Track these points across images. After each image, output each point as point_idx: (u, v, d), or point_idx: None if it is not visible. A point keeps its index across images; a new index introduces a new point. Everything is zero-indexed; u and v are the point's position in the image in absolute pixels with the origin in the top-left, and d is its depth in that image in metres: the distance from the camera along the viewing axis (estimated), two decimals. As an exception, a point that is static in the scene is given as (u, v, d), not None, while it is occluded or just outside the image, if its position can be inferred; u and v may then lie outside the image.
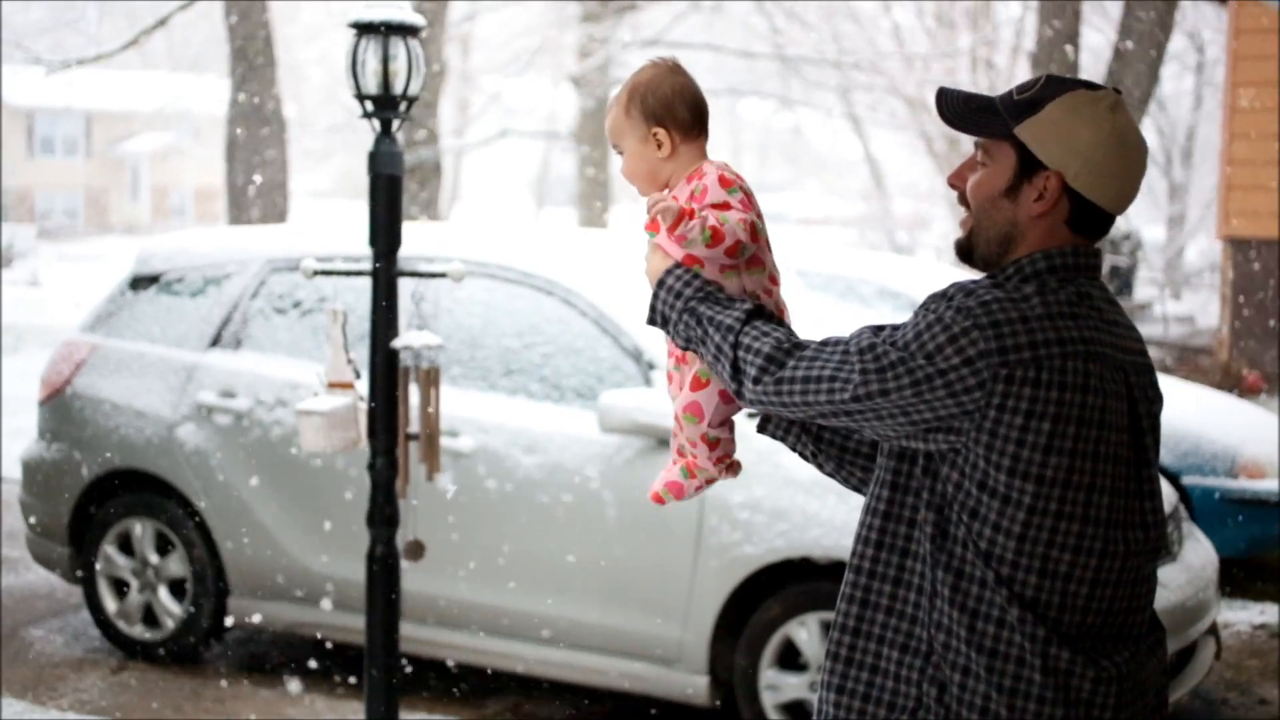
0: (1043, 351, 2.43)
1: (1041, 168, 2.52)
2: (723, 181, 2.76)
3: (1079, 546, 2.46)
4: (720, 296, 2.70)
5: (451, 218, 27.74)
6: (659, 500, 2.90)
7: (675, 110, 2.83)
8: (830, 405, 2.53)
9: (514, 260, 6.23)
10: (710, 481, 2.89)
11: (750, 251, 2.73)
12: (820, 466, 2.87)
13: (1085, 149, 2.51)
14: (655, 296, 2.75)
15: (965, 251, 2.64)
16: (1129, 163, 2.55)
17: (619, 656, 5.85)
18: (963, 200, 2.64)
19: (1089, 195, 2.53)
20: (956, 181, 2.65)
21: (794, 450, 2.88)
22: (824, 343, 2.59)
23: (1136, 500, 2.55)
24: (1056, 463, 2.43)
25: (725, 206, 2.73)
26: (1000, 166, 2.57)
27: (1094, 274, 2.59)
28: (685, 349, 2.74)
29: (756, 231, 2.74)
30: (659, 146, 2.82)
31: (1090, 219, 2.56)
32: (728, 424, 2.85)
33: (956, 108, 2.62)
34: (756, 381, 2.59)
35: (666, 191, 2.81)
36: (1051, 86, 2.55)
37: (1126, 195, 2.58)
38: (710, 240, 2.68)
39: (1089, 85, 2.56)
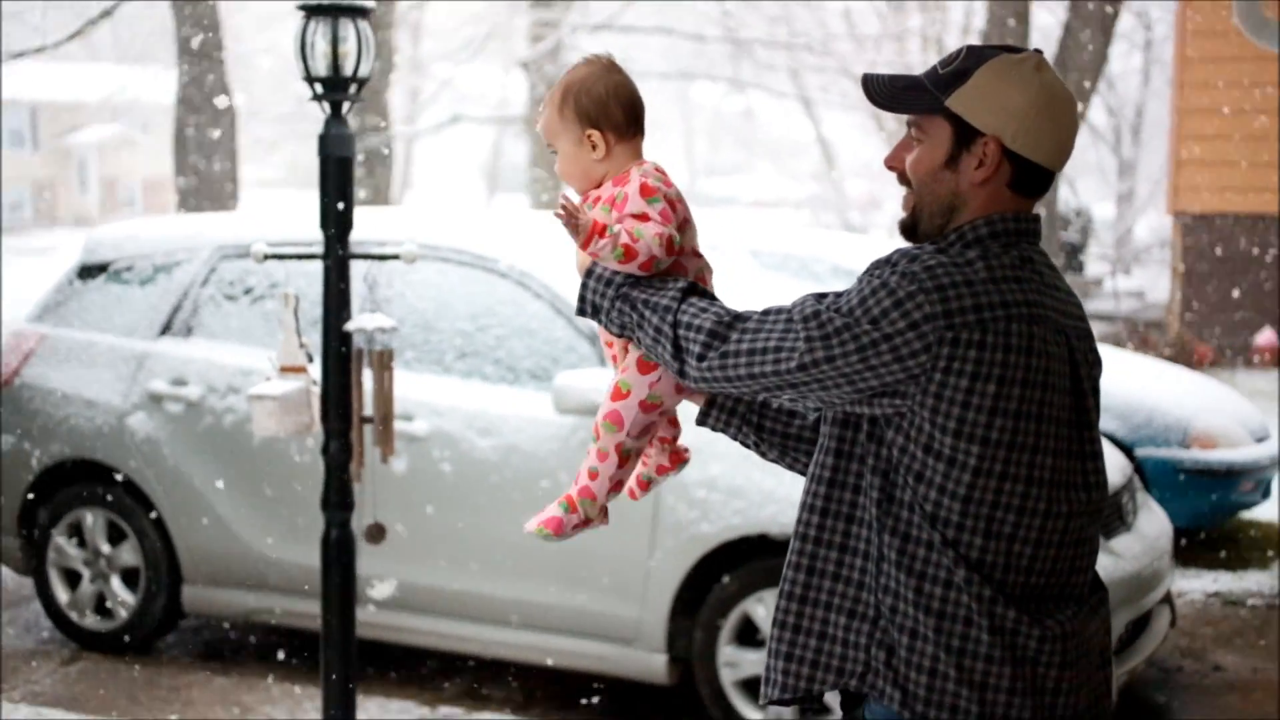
0: (987, 314, 2.44)
1: (978, 135, 2.54)
2: (644, 190, 2.71)
3: (1023, 507, 2.48)
4: (652, 279, 2.69)
5: (403, 204, 27.63)
6: (537, 528, 2.87)
7: (610, 111, 2.79)
8: (776, 376, 2.52)
9: (467, 243, 6.20)
10: (585, 524, 2.84)
11: (665, 264, 2.70)
12: (764, 455, 2.86)
13: (1018, 110, 2.52)
14: (584, 286, 2.73)
15: (910, 229, 2.64)
16: (1062, 117, 2.58)
17: (576, 637, 5.84)
18: (903, 180, 2.64)
19: (1029, 155, 2.55)
20: (894, 163, 2.66)
21: (736, 439, 2.86)
22: (765, 313, 2.58)
23: (1079, 461, 2.57)
24: (1001, 424, 2.44)
25: (644, 218, 2.68)
26: (936, 140, 2.58)
27: (1035, 239, 2.62)
28: (620, 336, 2.72)
29: (673, 245, 2.69)
30: (593, 148, 2.78)
31: (1032, 178, 2.58)
32: (649, 433, 2.81)
33: (883, 90, 2.63)
34: (701, 359, 2.58)
35: (586, 201, 2.79)
36: (974, 56, 2.57)
37: (1064, 150, 2.60)
38: (623, 257, 2.64)
39: (1010, 49, 2.59)
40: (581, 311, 2.74)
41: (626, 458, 2.81)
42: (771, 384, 2.54)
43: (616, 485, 2.84)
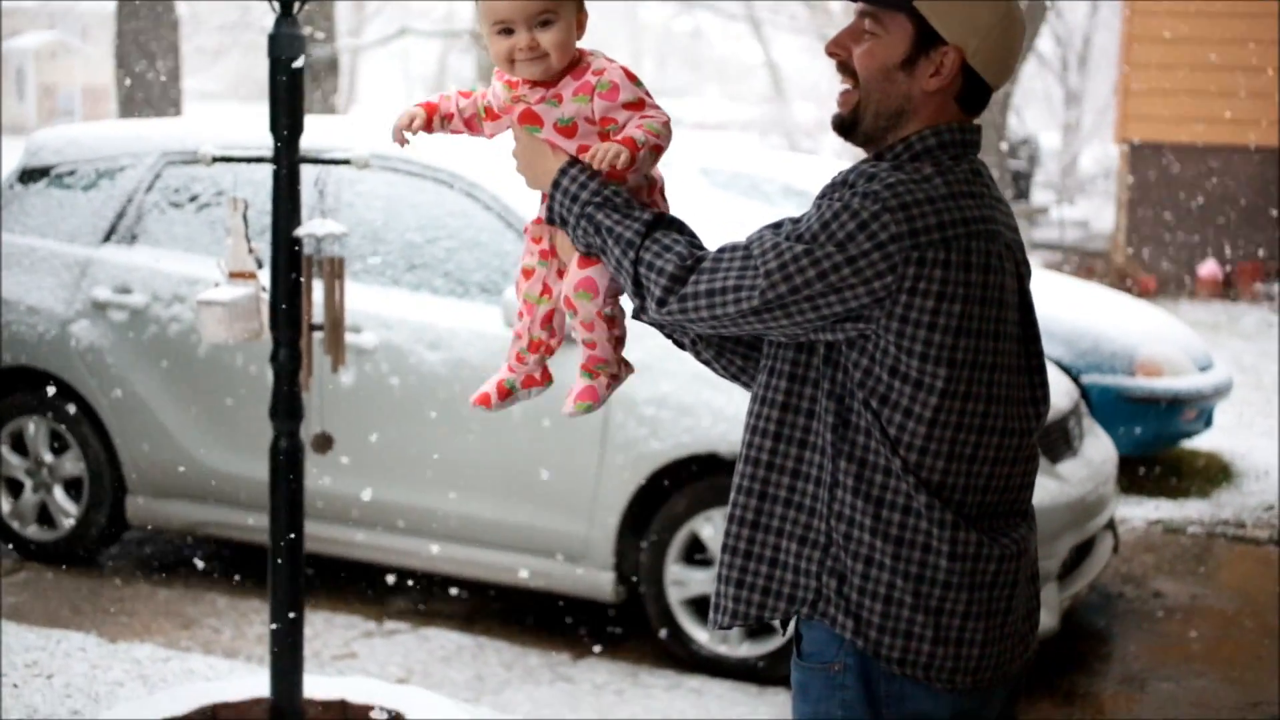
0: (950, 232, 2.40)
1: (940, 42, 2.47)
2: (630, 77, 2.62)
3: (984, 426, 2.47)
4: (618, 201, 2.58)
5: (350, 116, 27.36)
6: (574, 406, 2.76)
7: None
8: (739, 314, 2.45)
9: (415, 153, 6.12)
10: (614, 379, 2.75)
11: (651, 164, 2.62)
12: (698, 355, 2.78)
13: (984, 25, 2.48)
14: (552, 199, 2.63)
15: (849, 127, 2.56)
16: (1017, 40, 2.54)
17: (524, 553, 5.82)
18: (844, 69, 2.55)
19: (982, 72, 2.51)
20: (837, 50, 2.56)
21: (672, 340, 2.78)
22: (721, 250, 2.50)
23: (1027, 376, 2.56)
24: (966, 344, 2.42)
25: (640, 105, 2.61)
26: (894, 38, 2.49)
27: (978, 149, 2.58)
28: (586, 254, 2.63)
29: (670, 127, 2.63)
30: (580, 29, 2.65)
31: (977, 95, 2.54)
32: (618, 300, 2.71)
33: None
34: (662, 303, 2.51)
35: (558, 103, 2.61)
36: None
37: (1010, 72, 2.57)
38: (655, 158, 2.59)
39: None
40: (551, 222, 2.65)
41: (611, 320, 2.70)
42: (735, 322, 2.48)
43: (617, 343, 2.74)
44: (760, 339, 2.67)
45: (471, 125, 2.79)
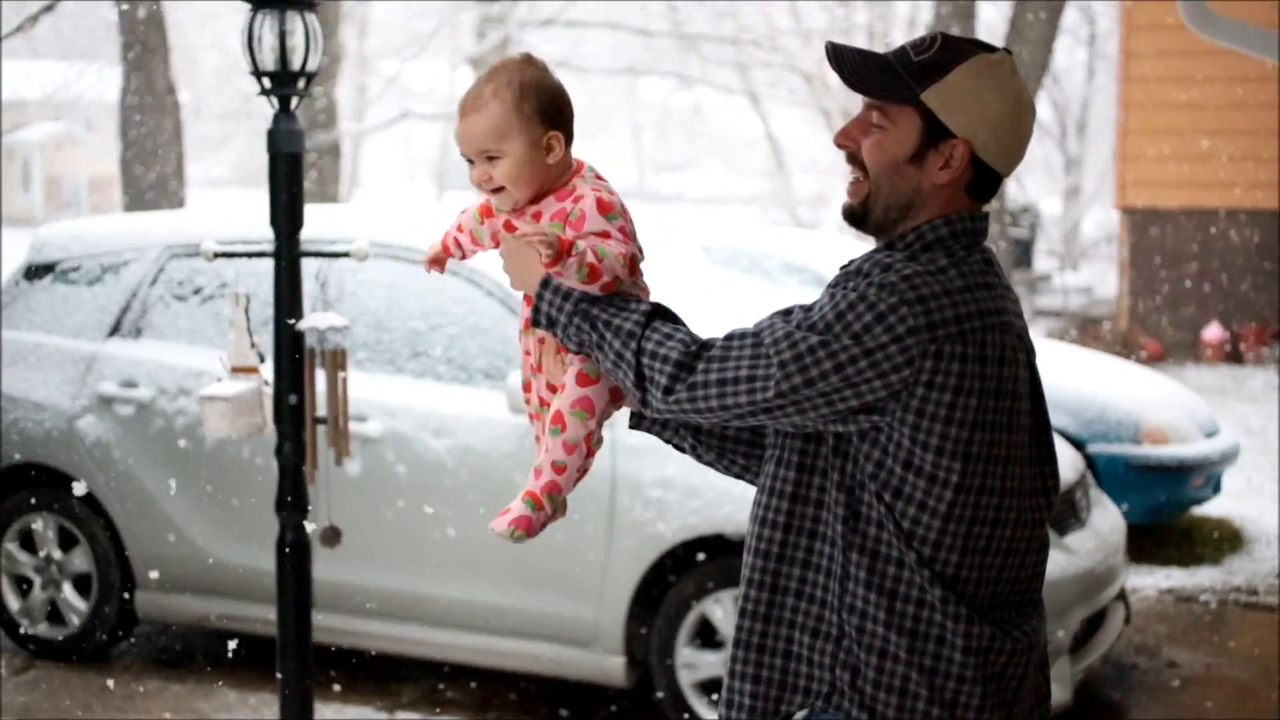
0: (966, 325, 2.39)
1: (948, 135, 2.46)
2: (602, 207, 2.59)
3: (997, 519, 2.45)
4: (612, 297, 2.57)
5: (353, 202, 27.52)
6: (508, 529, 2.69)
7: (566, 113, 2.66)
8: (751, 405, 2.43)
9: (417, 241, 6.15)
10: (552, 518, 2.69)
11: (627, 285, 2.59)
12: (699, 457, 2.77)
13: (994, 117, 2.46)
14: (540, 298, 2.59)
15: (859, 218, 2.55)
16: (1027, 127, 2.53)
17: (534, 640, 5.81)
18: (853, 160, 2.54)
19: (992, 163, 2.49)
20: (846, 142, 2.55)
21: (670, 444, 2.77)
22: (729, 338, 2.47)
23: (1038, 466, 2.55)
24: (981, 438, 2.40)
25: (605, 236, 2.57)
26: (903, 131, 2.49)
27: (986, 237, 2.57)
28: (578, 353, 2.60)
29: (635, 264, 2.60)
30: (549, 151, 2.62)
31: (987, 184, 2.53)
32: (601, 427, 2.69)
33: (854, 67, 2.51)
34: (669, 392, 2.47)
35: (535, 222, 2.62)
36: (950, 49, 2.48)
37: (1020, 158, 2.56)
38: (587, 278, 2.52)
39: (985, 47, 2.51)
40: (537, 323, 2.61)
41: (594, 449, 2.67)
42: (745, 413, 2.45)
43: (581, 473, 2.69)
44: (761, 435, 2.66)
45: (479, 245, 2.81)
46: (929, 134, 2.48)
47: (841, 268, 2.53)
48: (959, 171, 2.48)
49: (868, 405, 2.40)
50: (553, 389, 2.69)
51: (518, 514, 2.68)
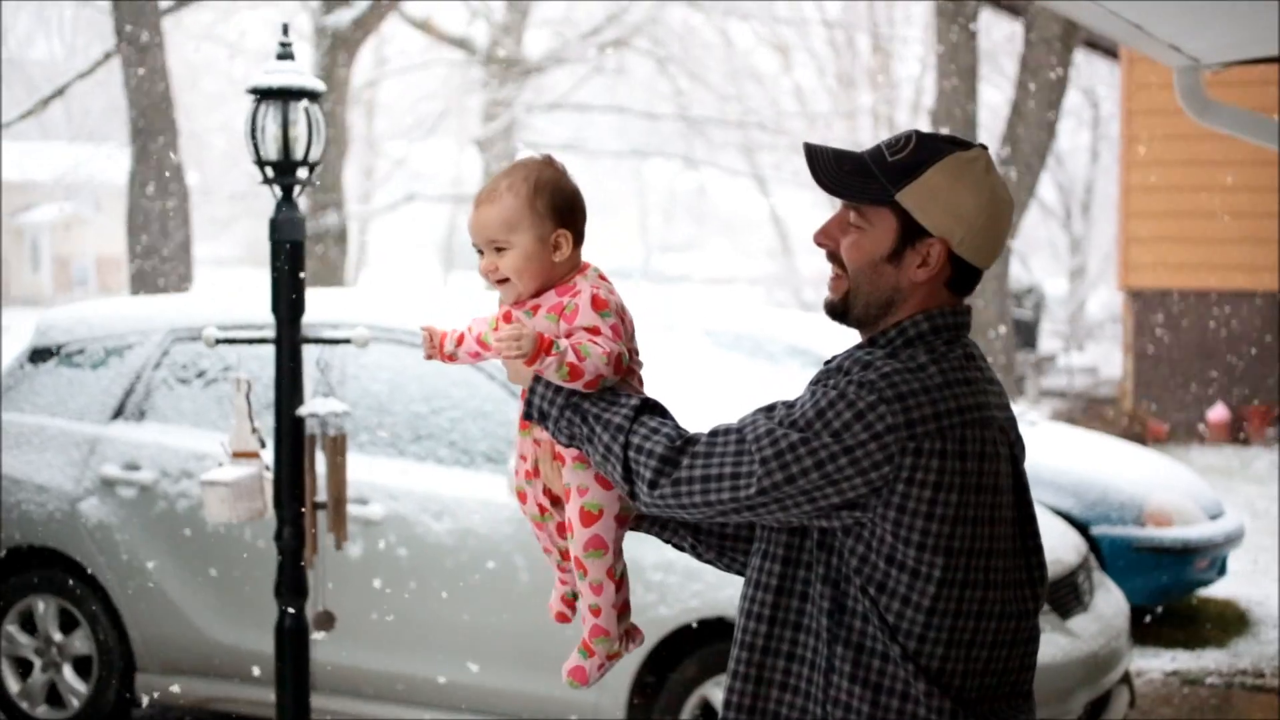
0: (945, 422, 2.40)
1: (925, 234, 2.48)
2: (596, 304, 2.62)
3: (981, 612, 2.45)
4: (604, 390, 2.60)
5: (359, 284, 27.65)
6: (567, 680, 2.77)
7: (578, 214, 2.70)
8: (734, 502, 2.44)
9: (419, 325, 6.17)
10: (613, 657, 2.74)
11: (612, 383, 2.60)
12: (699, 556, 2.78)
13: (968, 216, 2.48)
14: (533, 391, 2.62)
15: (840, 312, 2.58)
16: (1003, 222, 2.54)
17: (534, 723, 5.78)
18: (832, 258, 2.57)
19: (969, 259, 2.51)
20: (825, 240, 2.58)
21: (671, 544, 2.79)
22: (714, 434, 2.49)
23: (1023, 558, 2.55)
24: (963, 532, 2.41)
25: (595, 331, 2.59)
26: (880, 232, 2.51)
27: (968, 330, 2.59)
28: (569, 446, 2.62)
29: (621, 364, 2.60)
30: (556, 249, 2.65)
31: (967, 278, 2.55)
32: (621, 556, 2.70)
33: (828, 170, 2.54)
34: (653, 486, 2.49)
35: (534, 314, 2.64)
36: (925, 148, 2.50)
37: (998, 253, 2.57)
38: (568, 376, 2.54)
39: (960, 144, 2.53)
40: (529, 417, 2.64)
41: (621, 580, 2.70)
42: (729, 509, 2.46)
43: (623, 608, 2.72)
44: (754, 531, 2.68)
45: (484, 348, 2.80)
46: (905, 233, 2.50)
47: (825, 363, 2.56)
48: (937, 269, 2.51)
49: (849, 501, 2.41)
50: (550, 494, 2.71)
51: (573, 664, 2.77)
